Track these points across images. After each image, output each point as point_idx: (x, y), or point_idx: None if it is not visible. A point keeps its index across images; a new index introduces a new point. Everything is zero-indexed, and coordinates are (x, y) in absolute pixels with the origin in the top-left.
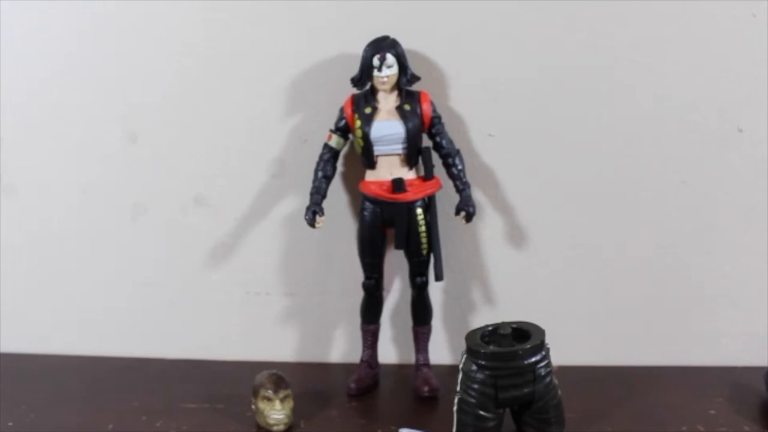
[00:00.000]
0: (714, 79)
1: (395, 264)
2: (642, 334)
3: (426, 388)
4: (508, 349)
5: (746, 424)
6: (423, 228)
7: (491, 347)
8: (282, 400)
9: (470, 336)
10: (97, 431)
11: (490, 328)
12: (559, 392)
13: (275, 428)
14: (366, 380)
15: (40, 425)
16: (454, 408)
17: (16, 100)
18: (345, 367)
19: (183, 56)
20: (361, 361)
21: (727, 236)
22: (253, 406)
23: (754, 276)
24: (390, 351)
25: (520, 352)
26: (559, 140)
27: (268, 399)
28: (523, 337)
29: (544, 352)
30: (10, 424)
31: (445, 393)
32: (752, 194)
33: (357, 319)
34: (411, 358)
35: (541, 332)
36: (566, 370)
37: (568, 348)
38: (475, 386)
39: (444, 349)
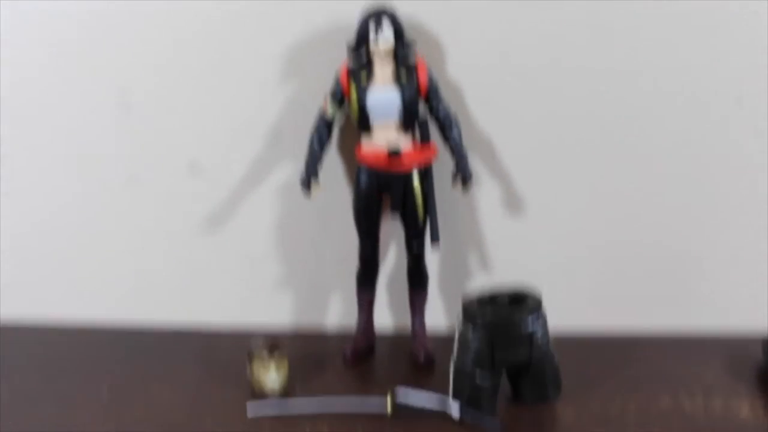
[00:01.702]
0: (713, 49)
1: (391, 229)
2: (640, 300)
3: (422, 354)
4: (505, 313)
5: (743, 390)
6: (419, 196)
7: (488, 311)
8: (277, 366)
9: (466, 300)
10: (92, 398)
11: (486, 292)
12: (556, 356)
13: (271, 393)
14: (362, 346)
15: (35, 391)
16: (451, 372)
17: (12, 71)
18: (341, 334)
19: (178, 24)
20: (357, 327)
21: (726, 206)
22: (248, 372)
23: (753, 244)
24: (386, 317)
25: (517, 315)
26: (557, 108)
27: (264, 364)
28: (519, 301)
29: (540, 317)
30: (4, 391)
31: (441, 358)
32: (752, 162)
33: (353, 286)
34: (407, 324)
35: (537, 297)
36: (563, 335)
37: (565, 314)
38: (472, 350)
39: (440, 315)
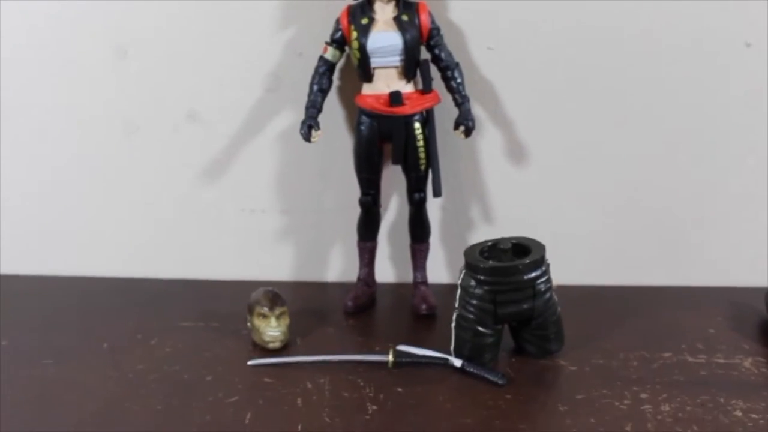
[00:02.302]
0: None
1: (393, 180)
2: (642, 253)
3: (424, 306)
4: (508, 263)
5: (745, 342)
6: (421, 142)
7: (490, 262)
8: (278, 317)
9: (469, 251)
10: (92, 350)
11: (489, 243)
12: (559, 309)
13: (271, 345)
14: (363, 298)
15: (34, 343)
16: (453, 324)
17: (10, 26)
18: (342, 286)
19: None
20: (358, 279)
21: (729, 158)
22: (248, 324)
23: (755, 198)
24: (387, 269)
25: (520, 266)
26: (560, 55)
27: (264, 316)
28: (522, 252)
29: (544, 268)
30: (3, 342)
31: (443, 311)
32: (755, 116)
33: (354, 237)
34: (408, 277)
35: (541, 248)
36: (566, 288)
37: (568, 266)
38: (474, 302)
39: (442, 267)
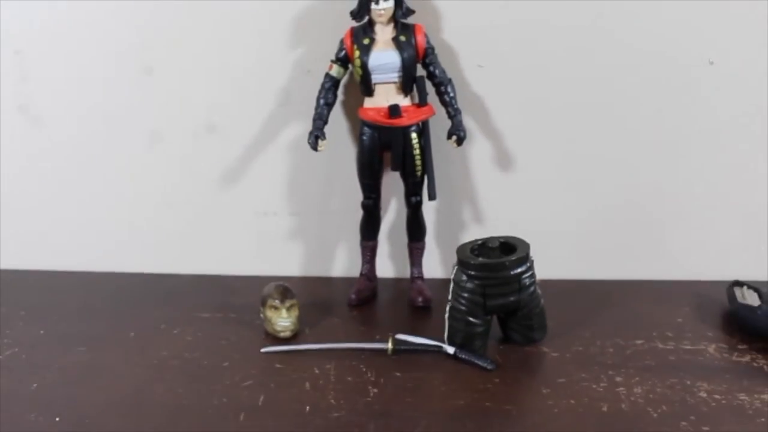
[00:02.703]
0: (686, 12)
1: (392, 185)
2: (617, 250)
3: (420, 299)
4: (496, 260)
5: (710, 330)
6: (417, 151)
7: (480, 259)
8: (288, 309)
9: (461, 249)
10: (120, 337)
11: (479, 242)
12: (542, 301)
13: (282, 334)
14: (365, 292)
15: (69, 332)
16: (446, 315)
17: (40, 38)
18: (346, 281)
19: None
20: (361, 274)
21: (697, 159)
22: (261, 315)
23: (720, 197)
24: (387, 265)
25: (507, 263)
26: (545, 71)
27: (276, 308)
28: (509, 250)
29: (528, 264)
30: (42, 332)
31: (437, 303)
32: (718, 123)
33: (357, 236)
34: (406, 272)
35: (526, 246)
36: (548, 283)
37: (550, 262)
38: (465, 295)
39: (437, 264)
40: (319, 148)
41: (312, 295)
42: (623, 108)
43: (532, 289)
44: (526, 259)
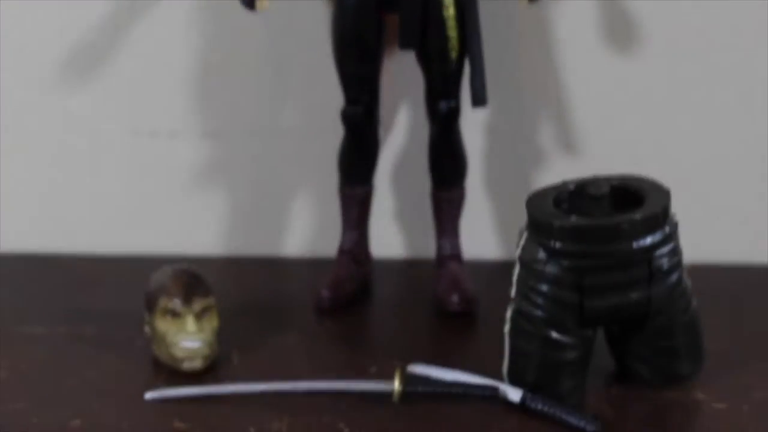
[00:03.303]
0: None
1: (400, 79)
2: None
3: (455, 297)
4: (604, 220)
5: None
6: (451, 11)
7: (573, 218)
8: (198, 317)
9: (536, 200)
10: None
11: (571, 186)
12: (694, 304)
13: (187, 365)
14: (348, 284)
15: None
16: (506, 328)
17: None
18: (311, 264)
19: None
20: (341, 251)
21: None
22: (147, 329)
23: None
24: (390, 235)
25: (625, 225)
26: None
27: (175, 314)
28: (629, 201)
29: (668, 230)
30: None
31: (487, 304)
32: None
33: (331, 179)
34: (427, 248)
35: (662, 194)
36: (708, 270)
37: (709, 234)
38: (545, 288)
39: (487, 233)
40: (258, 7)
41: (245, 291)
42: None
43: (674, 277)
44: (662, 219)
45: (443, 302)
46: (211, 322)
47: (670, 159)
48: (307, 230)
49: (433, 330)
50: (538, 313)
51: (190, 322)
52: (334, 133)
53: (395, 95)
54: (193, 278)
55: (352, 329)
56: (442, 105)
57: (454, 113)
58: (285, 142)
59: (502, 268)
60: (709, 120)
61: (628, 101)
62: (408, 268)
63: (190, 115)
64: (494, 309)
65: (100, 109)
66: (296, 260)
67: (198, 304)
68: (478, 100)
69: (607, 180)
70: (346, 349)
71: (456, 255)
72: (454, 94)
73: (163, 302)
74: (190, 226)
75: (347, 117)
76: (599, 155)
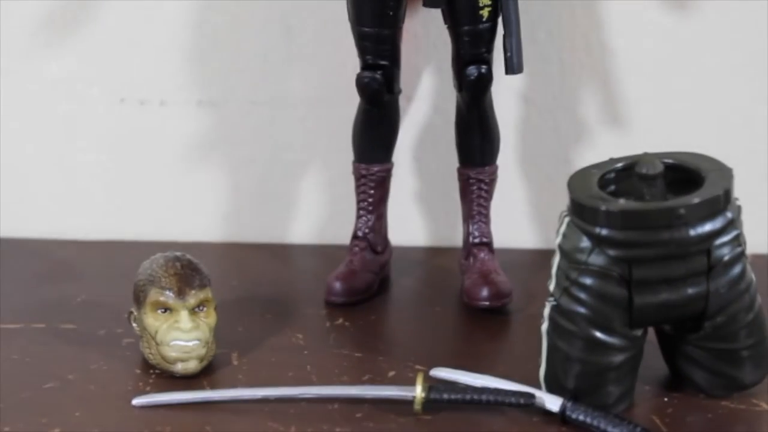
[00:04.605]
0: None
1: (424, 41)
2: None
3: (485, 292)
4: (657, 204)
5: None
6: None
7: (622, 201)
8: (194, 312)
9: (578, 180)
10: None
11: (619, 164)
12: (759, 300)
13: (181, 367)
14: (362, 276)
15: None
16: (544, 327)
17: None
18: (320, 250)
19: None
20: (355, 237)
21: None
22: (134, 326)
23: None
24: (412, 220)
25: (681, 210)
26: None
27: (167, 309)
28: (685, 182)
29: (730, 215)
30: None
31: (522, 300)
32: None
33: (345, 155)
34: (454, 234)
35: (723, 174)
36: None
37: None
38: (588, 282)
39: (521, 218)
40: None
41: (246, 282)
42: None
43: (737, 271)
44: (725, 203)
45: (471, 297)
46: (208, 318)
47: (733, 131)
48: (316, 214)
49: (460, 329)
50: (581, 310)
51: (184, 318)
52: (349, 104)
53: (418, 60)
54: (187, 268)
55: (368, 327)
56: (472, 71)
57: (485, 81)
58: (292, 113)
59: (540, 258)
60: None
61: (683, 67)
62: (431, 257)
63: (184, 81)
64: (530, 305)
65: (82, 72)
66: (304, 247)
67: (193, 298)
68: (513, 66)
69: (660, 157)
70: (361, 350)
71: (486, 243)
72: (485, 60)
73: (154, 295)
74: (185, 208)
75: (363, 84)
76: (651, 129)
